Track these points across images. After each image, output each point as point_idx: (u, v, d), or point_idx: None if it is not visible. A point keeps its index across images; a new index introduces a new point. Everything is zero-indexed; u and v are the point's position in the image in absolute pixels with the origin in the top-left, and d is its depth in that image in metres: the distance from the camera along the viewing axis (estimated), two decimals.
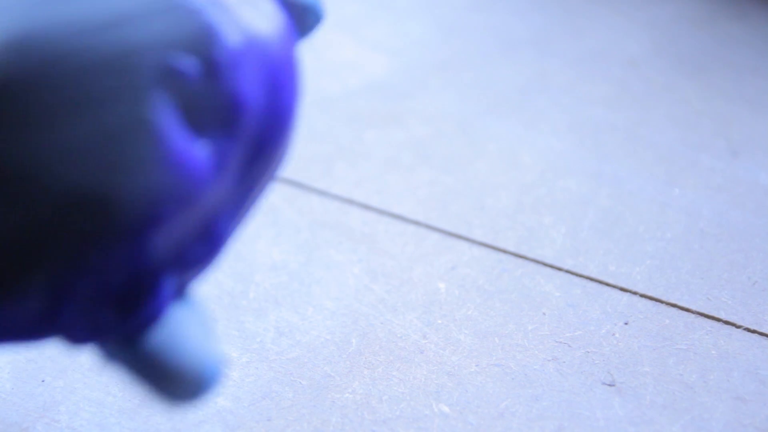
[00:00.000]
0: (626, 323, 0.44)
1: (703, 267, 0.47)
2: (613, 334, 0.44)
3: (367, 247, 0.48)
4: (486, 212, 0.50)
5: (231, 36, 0.26)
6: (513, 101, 0.59)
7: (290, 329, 0.43)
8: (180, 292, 0.28)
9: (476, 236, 0.49)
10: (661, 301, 0.45)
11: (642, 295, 0.46)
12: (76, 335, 0.27)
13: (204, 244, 0.27)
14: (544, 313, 0.44)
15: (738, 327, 0.44)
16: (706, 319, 0.44)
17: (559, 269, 0.47)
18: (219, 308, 0.44)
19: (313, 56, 0.62)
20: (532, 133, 0.56)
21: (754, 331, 0.44)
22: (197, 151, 0.25)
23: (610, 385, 0.41)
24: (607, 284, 0.46)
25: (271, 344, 0.43)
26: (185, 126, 0.25)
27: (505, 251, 0.48)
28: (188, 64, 0.25)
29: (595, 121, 0.57)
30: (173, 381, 0.27)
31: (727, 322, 0.44)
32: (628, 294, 0.46)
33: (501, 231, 0.49)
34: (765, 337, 0.44)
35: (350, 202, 0.51)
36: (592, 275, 0.47)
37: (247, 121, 0.26)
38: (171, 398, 0.27)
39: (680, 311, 0.45)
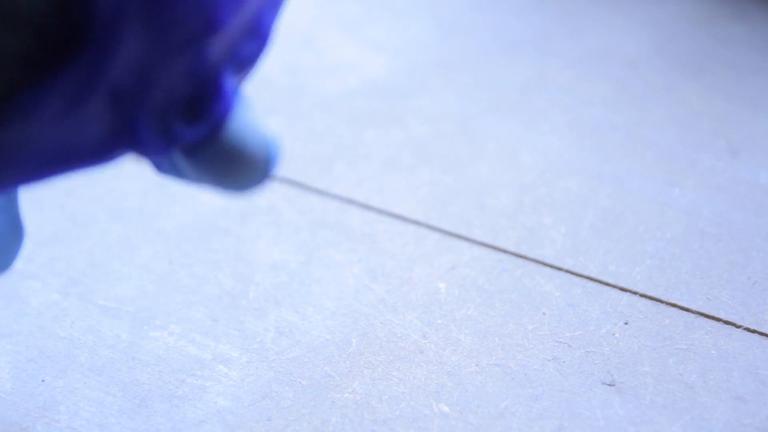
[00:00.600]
0: (626, 323, 0.44)
1: (703, 267, 0.47)
2: (613, 334, 0.44)
3: (367, 247, 0.48)
4: (486, 212, 0.50)
5: None
6: (513, 101, 0.59)
7: (290, 329, 0.43)
8: (237, 89, 0.29)
9: (476, 236, 0.49)
10: (661, 301, 0.45)
11: (642, 295, 0.46)
12: (151, 147, 0.27)
13: (254, 40, 0.28)
14: (544, 313, 0.44)
15: (738, 327, 0.44)
16: (706, 319, 0.44)
17: (559, 269, 0.47)
18: (219, 308, 0.44)
19: (313, 56, 0.62)
20: (532, 133, 0.56)
21: (754, 331, 0.44)
22: None
23: (610, 385, 0.41)
24: (607, 284, 0.46)
25: (271, 344, 0.43)
26: None
27: (505, 251, 0.48)
28: None
29: (595, 121, 0.57)
30: (249, 166, 0.29)
31: (727, 322, 0.44)
32: (628, 294, 0.46)
33: (501, 231, 0.49)
34: (765, 337, 0.44)
35: (350, 202, 0.51)
36: (592, 275, 0.47)
37: None
38: (246, 182, 0.30)
39: (680, 311, 0.45)
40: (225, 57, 0.27)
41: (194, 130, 0.27)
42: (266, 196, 0.51)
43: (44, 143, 0.25)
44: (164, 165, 0.30)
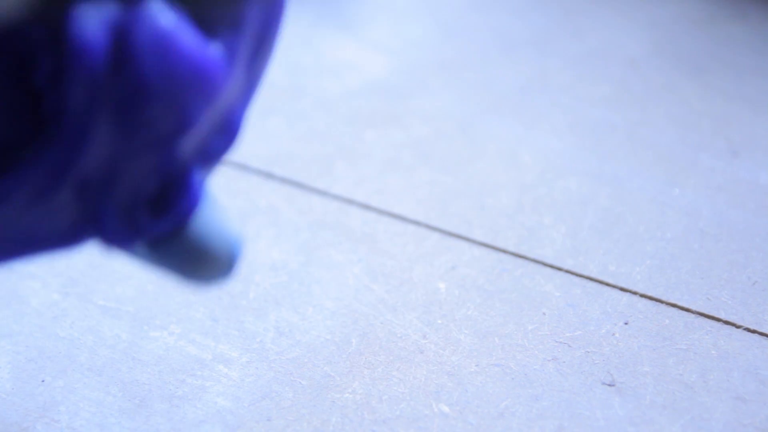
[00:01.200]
0: (626, 323, 0.44)
1: (703, 267, 0.47)
2: (613, 334, 0.44)
3: (367, 247, 0.48)
4: (486, 212, 0.50)
5: None
6: (513, 101, 0.59)
7: (290, 329, 0.43)
8: (203, 184, 0.29)
9: (476, 236, 0.49)
10: (661, 301, 0.45)
11: (642, 295, 0.46)
12: (116, 238, 0.28)
13: (224, 136, 0.28)
14: (544, 313, 0.44)
15: (738, 327, 0.44)
16: (706, 319, 0.44)
17: (559, 269, 0.47)
18: (219, 308, 0.44)
19: (313, 56, 0.62)
20: (532, 133, 0.56)
21: (754, 331, 0.44)
22: (213, 52, 0.26)
23: (610, 385, 0.41)
24: (607, 284, 0.46)
25: (271, 344, 0.43)
26: (199, 32, 0.25)
27: (505, 251, 0.48)
28: None
29: (595, 121, 0.57)
30: (211, 262, 0.29)
31: (727, 322, 0.44)
32: (628, 294, 0.46)
33: (501, 231, 0.49)
34: (765, 337, 0.44)
35: (350, 202, 0.51)
36: (592, 275, 0.47)
37: (250, 16, 0.27)
38: (207, 278, 0.30)
39: (680, 311, 0.45)
40: (194, 153, 0.27)
41: (159, 224, 0.28)
42: (266, 196, 0.51)
43: (9, 230, 0.26)
44: (126, 252, 0.30)
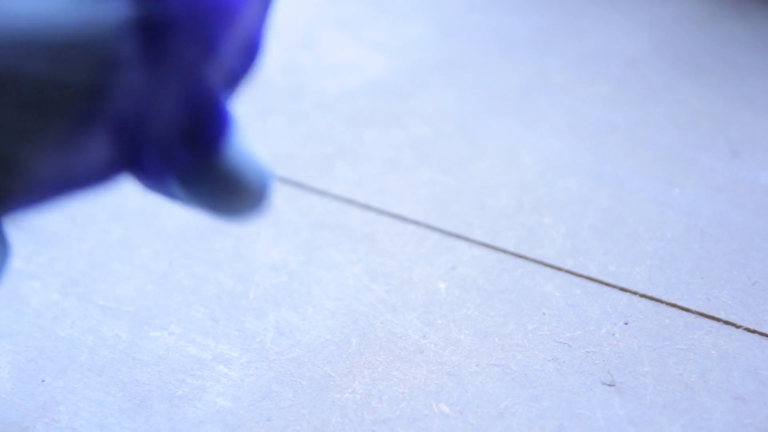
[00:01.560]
0: (626, 323, 0.44)
1: (703, 267, 0.47)
2: (613, 334, 0.44)
3: (367, 247, 0.48)
4: (486, 212, 0.50)
5: None
6: (513, 101, 0.59)
7: (290, 329, 0.43)
8: (231, 108, 0.30)
9: (476, 236, 0.49)
10: (661, 301, 0.45)
11: (642, 295, 0.46)
12: (152, 173, 0.28)
13: (246, 58, 0.29)
14: (544, 313, 0.44)
15: (738, 327, 0.44)
16: (706, 319, 0.44)
17: (559, 269, 0.47)
18: (219, 308, 0.44)
19: (313, 56, 0.62)
20: (532, 133, 0.56)
21: (754, 331, 0.44)
22: None
23: (610, 385, 0.41)
24: (607, 284, 0.46)
25: (271, 344, 0.43)
26: None
27: (505, 251, 0.48)
28: None
29: (595, 121, 0.57)
30: (244, 191, 0.29)
31: (727, 322, 0.44)
32: (628, 294, 0.46)
33: (501, 231, 0.49)
34: (765, 337, 0.44)
35: (350, 202, 0.51)
36: (592, 275, 0.47)
37: None
38: (241, 208, 0.30)
39: (680, 311, 0.45)
40: (220, 79, 0.28)
41: (193, 154, 0.28)
42: None
43: (47, 171, 0.26)
44: (157, 186, 0.30)
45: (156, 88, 0.25)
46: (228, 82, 0.28)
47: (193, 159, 0.28)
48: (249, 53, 0.29)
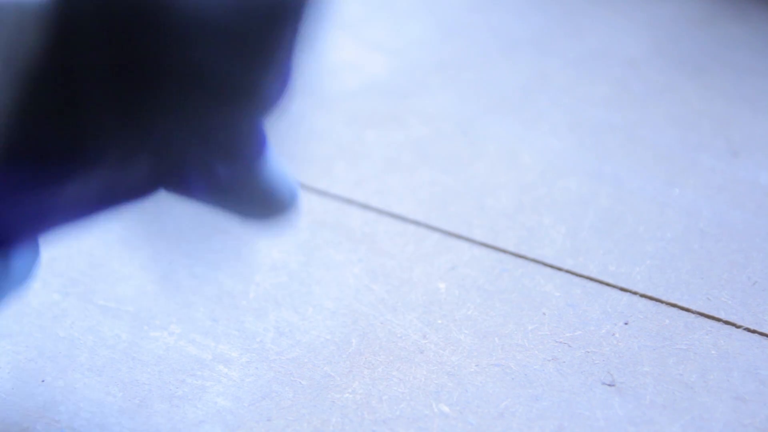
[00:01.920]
0: (626, 323, 0.44)
1: (703, 267, 0.47)
2: (613, 334, 0.44)
3: (367, 247, 0.48)
4: (486, 212, 0.50)
5: None
6: (513, 101, 0.59)
7: (290, 329, 0.43)
8: (266, 131, 0.33)
9: (476, 236, 0.49)
10: (661, 301, 0.45)
11: (642, 295, 0.46)
12: (193, 186, 0.31)
13: (280, 84, 0.31)
14: (544, 313, 0.44)
15: (738, 327, 0.44)
16: (706, 319, 0.44)
17: (559, 269, 0.47)
18: (219, 308, 0.44)
19: (314, 56, 0.62)
20: (532, 133, 0.56)
21: (754, 331, 0.44)
22: None
23: (610, 385, 0.41)
24: (607, 284, 0.46)
25: (271, 344, 0.43)
26: None
27: (505, 251, 0.48)
28: None
29: (595, 121, 0.57)
30: (276, 201, 0.34)
31: (727, 322, 0.44)
32: (628, 294, 0.46)
33: (501, 231, 0.49)
34: (765, 337, 0.44)
35: (350, 202, 0.51)
36: (592, 275, 0.47)
37: None
38: (272, 216, 0.35)
39: (680, 311, 0.45)
40: (259, 103, 0.30)
41: (232, 169, 0.31)
42: None
43: (93, 190, 0.29)
44: (201, 197, 0.33)
45: (196, 110, 0.27)
46: (264, 105, 0.31)
47: (231, 172, 0.31)
48: (282, 81, 0.31)
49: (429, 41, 0.64)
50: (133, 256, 0.47)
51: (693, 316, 0.45)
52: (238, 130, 0.30)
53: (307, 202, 0.50)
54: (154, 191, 0.30)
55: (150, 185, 0.30)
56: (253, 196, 0.33)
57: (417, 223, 0.49)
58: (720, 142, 0.56)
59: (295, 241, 0.48)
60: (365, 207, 0.50)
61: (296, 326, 0.44)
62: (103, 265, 0.46)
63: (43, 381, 0.41)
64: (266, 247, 0.47)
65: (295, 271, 0.46)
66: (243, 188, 0.32)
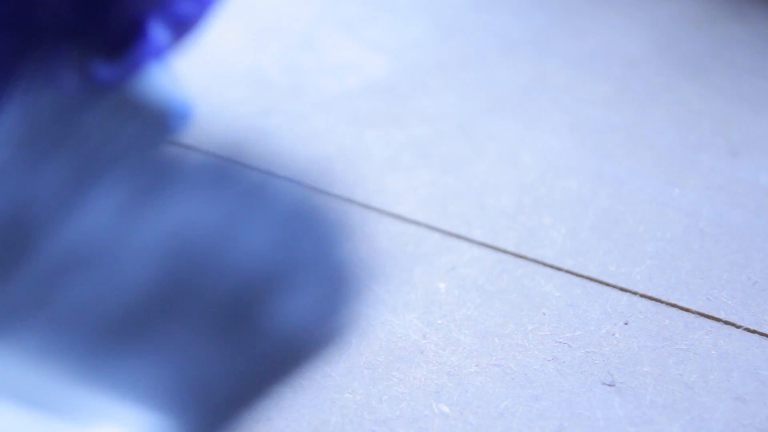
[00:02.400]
0: (626, 323, 0.44)
1: (703, 267, 0.47)
2: (613, 334, 0.44)
3: (367, 247, 0.48)
4: (486, 212, 0.50)
5: None
6: (513, 101, 0.59)
7: None
8: (165, 44, 0.29)
9: (476, 236, 0.49)
10: (661, 301, 0.45)
11: (642, 295, 0.46)
12: (68, 81, 0.28)
13: (195, 4, 0.29)
14: (544, 313, 0.44)
15: (738, 327, 0.44)
16: (706, 319, 0.44)
17: (559, 269, 0.47)
18: None
19: (313, 56, 0.62)
20: (532, 133, 0.56)
21: (754, 331, 0.44)
22: None
23: (610, 385, 0.41)
24: (607, 284, 0.46)
25: None
26: None
27: (505, 251, 0.48)
28: None
29: (595, 121, 0.57)
30: (155, 116, 0.29)
31: (727, 322, 0.44)
32: (628, 294, 0.46)
33: (501, 231, 0.49)
34: (765, 337, 0.44)
35: (350, 202, 0.51)
36: (592, 275, 0.47)
37: None
38: (154, 132, 0.28)
39: (680, 311, 0.45)
40: (155, 9, 0.28)
41: (110, 71, 0.28)
42: None
43: None
44: (75, 98, 0.30)
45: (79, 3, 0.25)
46: (166, 18, 0.28)
47: (109, 75, 0.28)
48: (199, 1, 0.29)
49: (429, 41, 0.64)
50: None
51: (693, 316, 0.45)
52: (122, 29, 0.27)
53: (307, 202, 0.50)
54: (18, 78, 0.27)
55: (12, 74, 0.27)
56: (131, 105, 0.29)
57: (417, 223, 0.49)
58: (720, 142, 0.56)
59: None
60: (365, 207, 0.50)
61: None
62: None
63: None
64: None
65: None
66: (120, 94, 0.29)
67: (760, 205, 0.51)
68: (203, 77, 0.55)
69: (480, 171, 0.53)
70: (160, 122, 0.30)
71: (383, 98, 0.58)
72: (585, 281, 0.46)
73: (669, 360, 0.42)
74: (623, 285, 0.46)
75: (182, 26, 0.29)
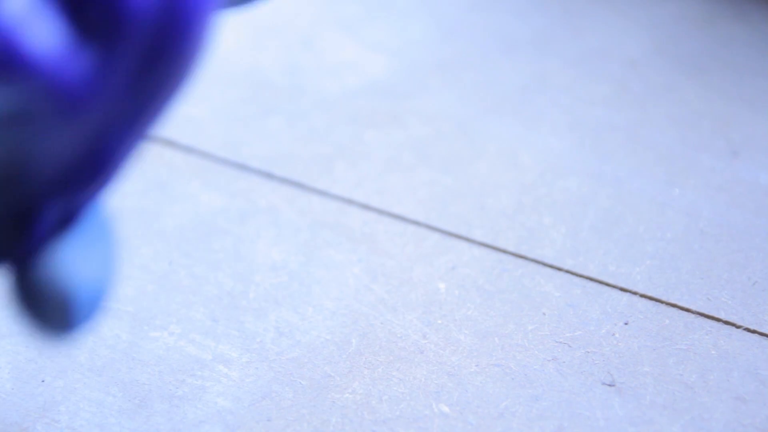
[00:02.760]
0: (626, 323, 0.44)
1: (703, 267, 0.47)
2: (613, 334, 0.44)
3: (367, 247, 0.48)
4: (486, 212, 0.50)
5: None
6: (513, 101, 0.59)
7: (290, 329, 0.43)
8: (70, 217, 0.26)
9: (476, 236, 0.49)
10: (661, 301, 0.45)
11: (642, 295, 0.46)
12: None
13: (92, 165, 0.24)
14: (544, 313, 0.44)
15: (738, 327, 0.44)
16: (706, 319, 0.44)
17: (559, 269, 0.47)
18: (219, 308, 0.44)
19: (313, 56, 0.62)
20: (532, 133, 0.56)
21: (754, 331, 0.44)
22: (79, 61, 0.22)
23: (610, 385, 0.41)
24: (607, 284, 0.46)
25: (271, 344, 0.43)
26: (67, 33, 0.22)
27: (505, 251, 0.48)
28: None
29: (595, 121, 0.57)
30: (47, 307, 0.25)
31: (727, 322, 0.44)
32: (628, 294, 0.46)
33: (501, 231, 0.49)
34: (765, 337, 0.44)
35: (350, 202, 0.51)
36: (592, 275, 0.47)
37: (138, 27, 0.23)
38: (45, 326, 0.26)
39: (680, 311, 0.45)
40: (50, 180, 0.24)
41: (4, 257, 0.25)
42: (266, 196, 0.51)
43: None
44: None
45: None
46: (62, 189, 0.24)
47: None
48: (96, 163, 0.24)
49: (429, 41, 0.64)
50: (133, 256, 0.47)
51: (693, 316, 0.45)
52: (14, 210, 0.23)
53: (307, 202, 0.50)
54: None
55: None
56: (24, 293, 0.25)
57: (417, 223, 0.49)
58: (720, 142, 0.56)
59: (295, 241, 0.48)
60: (365, 207, 0.50)
61: (296, 326, 0.44)
62: None
63: (43, 381, 0.41)
64: (266, 247, 0.47)
65: (295, 271, 0.46)
66: (16, 279, 0.25)
67: (760, 205, 0.51)
68: (203, 77, 0.55)
69: (480, 171, 0.53)
70: (55, 316, 0.25)
71: (383, 98, 0.58)
72: (585, 281, 0.46)
73: (669, 360, 0.42)
74: (623, 285, 0.46)
75: (83, 194, 0.26)
